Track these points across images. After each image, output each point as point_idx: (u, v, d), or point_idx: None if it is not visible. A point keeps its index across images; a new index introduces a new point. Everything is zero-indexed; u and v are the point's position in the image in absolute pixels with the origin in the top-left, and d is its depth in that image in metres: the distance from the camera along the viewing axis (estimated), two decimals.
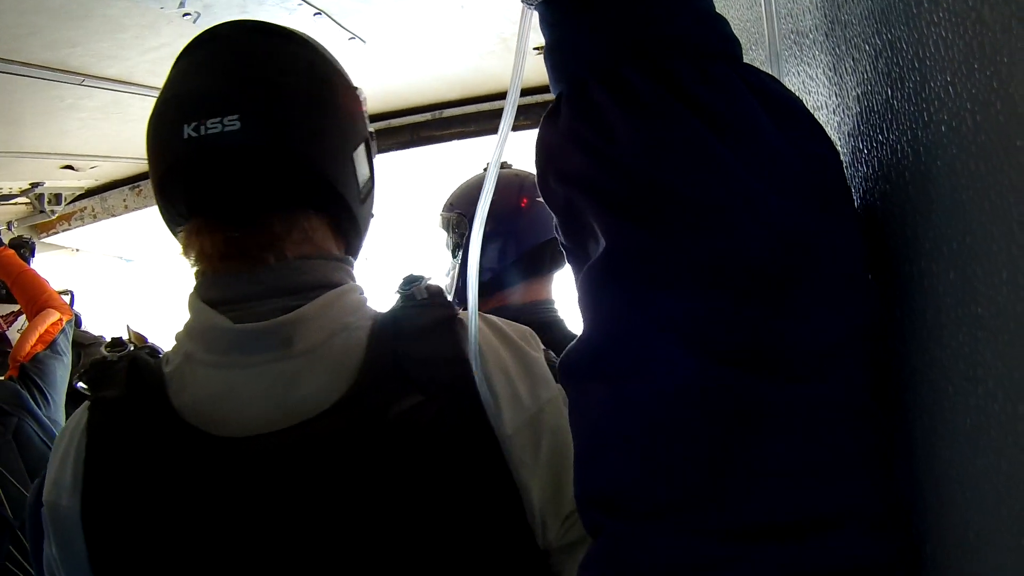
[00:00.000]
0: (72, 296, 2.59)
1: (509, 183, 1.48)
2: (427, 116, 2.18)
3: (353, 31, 1.59)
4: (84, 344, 2.51)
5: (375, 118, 2.22)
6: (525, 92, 2.22)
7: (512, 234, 1.42)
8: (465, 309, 1.71)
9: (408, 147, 2.23)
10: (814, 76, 0.46)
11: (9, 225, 2.60)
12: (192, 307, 0.66)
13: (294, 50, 0.67)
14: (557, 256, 1.46)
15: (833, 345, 0.35)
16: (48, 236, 2.75)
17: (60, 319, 2.35)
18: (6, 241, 2.41)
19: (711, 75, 0.37)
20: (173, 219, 0.69)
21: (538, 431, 0.63)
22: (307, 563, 0.58)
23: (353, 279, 0.70)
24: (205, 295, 0.65)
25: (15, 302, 2.38)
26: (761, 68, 0.39)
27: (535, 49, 2.21)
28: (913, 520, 0.40)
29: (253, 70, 0.64)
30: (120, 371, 0.64)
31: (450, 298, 1.63)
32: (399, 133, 2.22)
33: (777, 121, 0.37)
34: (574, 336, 1.63)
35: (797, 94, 0.41)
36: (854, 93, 0.41)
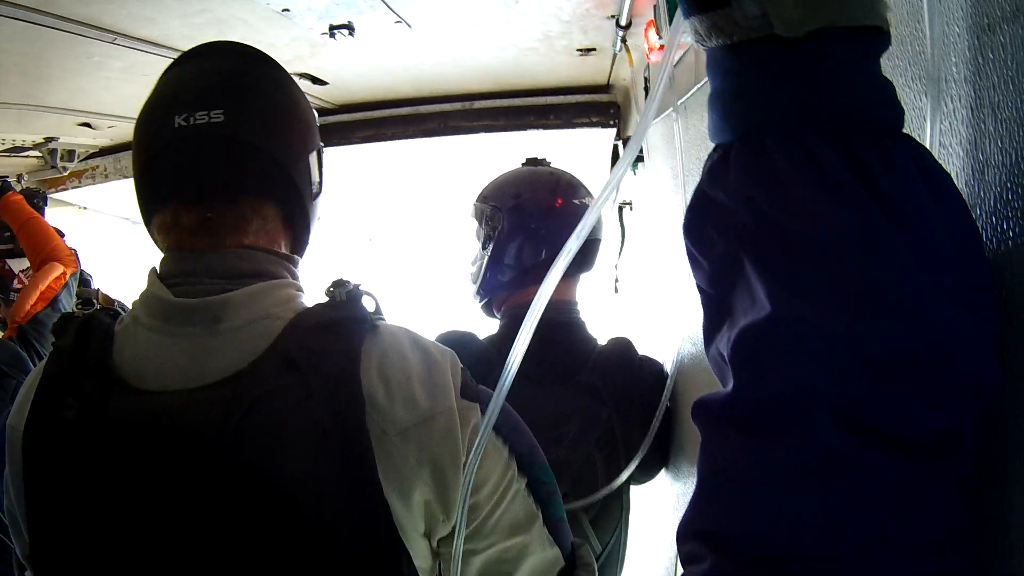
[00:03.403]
0: (76, 254, 2.55)
1: (544, 182, 1.46)
2: (457, 106, 2.16)
3: (401, 15, 1.57)
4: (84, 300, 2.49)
5: (405, 103, 2.20)
6: (557, 91, 2.21)
7: (544, 233, 1.41)
8: (489, 302, 1.69)
9: (436, 135, 2.22)
10: (947, 145, 0.46)
11: (19, 177, 2.56)
12: (148, 278, 0.78)
13: (266, 68, 0.83)
14: (587, 259, 1.45)
15: (960, 426, 0.37)
16: (57, 192, 2.71)
17: (64, 273, 2.30)
18: (19, 190, 2.36)
19: (893, 161, 0.37)
20: (153, 202, 0.79)
21: (428, 433, 0.70)
22: (186, 510, 0.68)
23: (293, 276, 0.81)
24: (161, 269, 0.78)
25: None
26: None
27: (578, 51, 2.17)
28: None
29: (236, 79, 0.79)
30: (76, 325, 0.76)
31: (474, 288, 1.62)
32: (428, 120, 2.20)
33: (936, 202, 0.38)
34: (594, 339, 1.62)
35: None
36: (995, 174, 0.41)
